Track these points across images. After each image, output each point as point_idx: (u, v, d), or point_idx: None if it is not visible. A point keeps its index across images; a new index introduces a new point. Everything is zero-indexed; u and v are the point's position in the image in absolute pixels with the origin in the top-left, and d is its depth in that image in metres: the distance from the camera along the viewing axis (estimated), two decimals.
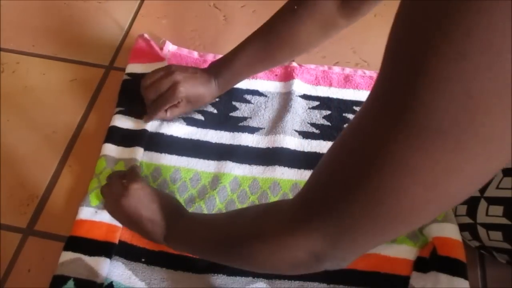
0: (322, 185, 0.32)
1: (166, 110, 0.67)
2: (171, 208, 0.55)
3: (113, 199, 0.56)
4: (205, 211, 0.62)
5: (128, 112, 0.70)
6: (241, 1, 0.88)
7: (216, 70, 0.67)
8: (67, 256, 0.57)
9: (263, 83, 0.75)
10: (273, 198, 0.63)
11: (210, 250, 0.48)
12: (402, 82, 0.23)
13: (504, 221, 0.50)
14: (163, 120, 0.69)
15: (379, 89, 0.26)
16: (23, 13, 0.86)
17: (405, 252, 0.58)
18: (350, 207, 0.29)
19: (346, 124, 0.67)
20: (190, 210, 0.62)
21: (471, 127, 0.22)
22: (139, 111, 0.69)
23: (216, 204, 0.63)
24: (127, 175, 0.57)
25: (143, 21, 0.86)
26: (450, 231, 0.57)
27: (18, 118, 0.72)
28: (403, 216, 0.27)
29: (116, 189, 0.56)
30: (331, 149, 0.32)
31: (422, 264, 0.57)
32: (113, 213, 0.58)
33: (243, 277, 0.57)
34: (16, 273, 0.58)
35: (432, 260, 0.56)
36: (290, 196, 0.63)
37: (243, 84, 0.74)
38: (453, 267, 0.54)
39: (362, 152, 0.27)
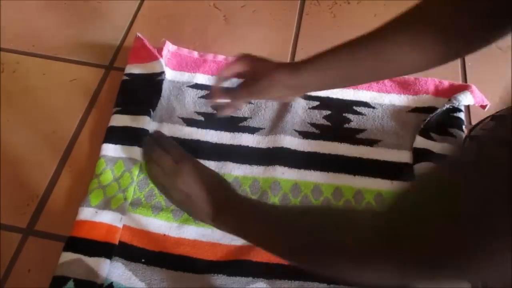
0: (411, 229, 0.31)
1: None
2: (218, 186, 0.53)
3: (166, 178, 0.52)
4: None
5: (126, 111, 0.70)
6: (241, 1, 0.88)
7: (293, 70, 0.58)
8: (67, 256, 0.57)
9: None
10: (273, 198, 0.63)
11: (272, 244, 0.46)
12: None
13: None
14: (162, 121, 0.69)
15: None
16: (23, 13, 0.86)
17: None
18: (433, 263, 0.29)
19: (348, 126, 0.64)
20: None
21: None
22: (137, 111, 0.69)
23: None
24: (173, 149, 0.54)
25: (143, 21, 0.85)
26: None
27: (18, 118, 0.72)
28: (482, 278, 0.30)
29: (168, 165, 0.52)
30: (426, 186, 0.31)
31: None
32: (165, 190, 0.54)
33: (243, 277, 0.57)
34: (16, 273, 0.58)
35: None
36: (290, 196, 0.63)
37: None
38: None
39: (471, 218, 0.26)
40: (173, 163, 0.52)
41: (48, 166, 0.67)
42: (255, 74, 0.57)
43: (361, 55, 0.55)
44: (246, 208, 0.50)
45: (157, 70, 0.74)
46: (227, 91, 0.60)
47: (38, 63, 0.79)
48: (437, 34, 0.49)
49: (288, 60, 0.79)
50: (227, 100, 0.60)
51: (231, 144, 0.68)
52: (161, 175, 0.53)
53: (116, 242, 0.59)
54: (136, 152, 0.65)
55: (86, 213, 0.60)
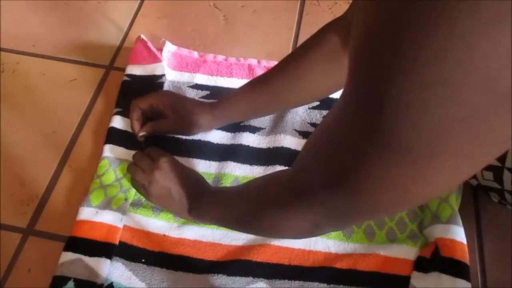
0: (311, 171, 0.34)
1: (148, 123, 0.65)
2: (196, 182, 0.58)
3: (143, 174, 0.57)
4: None
5: (126, 113, 0.70)
6: (241, 1, 0.88)
7: (213, 102, 0.65)
8: (67, 256, 0.57)
9: None
10: None
11: (228, 222, 0.52)
12: (370, 103, 0.24)
13: (495, 162, 0.52)
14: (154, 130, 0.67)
15: (352, 97, 0.27)
16: (23, 13, 0.86)
17: (405, 252, 0.58)
18: (333, 197, 0.32)
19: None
20: None
21: (436, 146, 0.23)
22: None
23: None
24: (151, 152, 0.59)
25: (143, 21, 0.86)
26: (455, 233, 0.57)
27: (18, 118, 0.72)
28: (383, 208, 0.31)
29: (145, 164, 0.57)
30: (320, 132, 0.33)
31: (423, 264, 0.57)
32: (143, 188, 0.57)
33: (243, 277, 0.57)
34: (16, 273, 0.58)
35: (434, 261, 0.56)
36: None
37: None
38: (456, 269, 0.54)
39: (339, 154, 0.29)
40: (151, 161, 0.57)
41: (48, 166, 0.67)
42: (177, 114, 0.64)
43: (280, 88, 0.61)
44: (214, 196, 0.55)
45: (158, 73, 0.74)
46: (149, 124, 0.65)
47: (38, 63, 0.79)
48: (344, 50, 0.55)
49: None
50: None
51: (232, 144, 0.68)
52: (140, 174, 0.57)
53: (117, 242, 0.59)
54: None
55: (87, 213, 0.60)
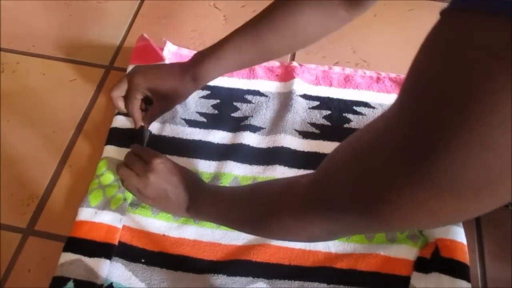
0: (337, 181, 0.34)
1: (141, 112, 0.65)
2: (192, 180, 0.57)
3: (137, 178, 0.55)
4: None
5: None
6: (241, 1, 0.88)
7: (194, 61, 0.61)
8: (67, 257, 0.57)
9: (263, 83, 0.75)
10: None
11: (234, 222, 0.52)
12: (422, 148, 0.25)
13: None
14: (164, 122, 0.68)
15: (405, 123, 0.27)
16: (23, 13, 0.86)
17: (405, 252, 0.58)
18: (357, 217, 0.33)
19: (354, 125, 0.68)
20: None
21: (485, 192, 0.24)
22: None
23: None
24: (143, 152, 0.57)
25: (143, 21, 0.85)
26: (455, 234, 0.57)
27: (18, 118, 0.72)
28: (409, 227, 0.33)
29: (138, 166, 0.55)
30: (358, 143, 0.33)
31: (423, 265, 0.57)
32: (138, 191, 0.56)
33: (243, 277, 0.57)
34: (16, 273, 0.58)
35: (434, 261, 0.56)
36: None
37: (244, 85, 0.74)
38: (456, 269, 0.54)
39: (377, 179, 0.29)
40: (144, 164, 0.55)
41: (48, 166, 0.67)
42: (163, 95, 0.62)
43: (267, 35, 0.58)
44: (214, 195, 0.55)
45: None
46: (144, 115, 0.65)
47: (38, 63, 0.79)
48: (340, 2, 0.54)
49: (288, 59, 0.79)
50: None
51: (232, 143, 0.68)
52: (134, 177, 0.55)
53: (116, 243, 0.59)
54: None
55: (86, 214, 0.60)
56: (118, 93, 0.64)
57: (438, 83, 0.24)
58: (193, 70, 0.61)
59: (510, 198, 0.25)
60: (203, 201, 0.55)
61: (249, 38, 0.58)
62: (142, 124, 0.65)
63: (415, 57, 0.26)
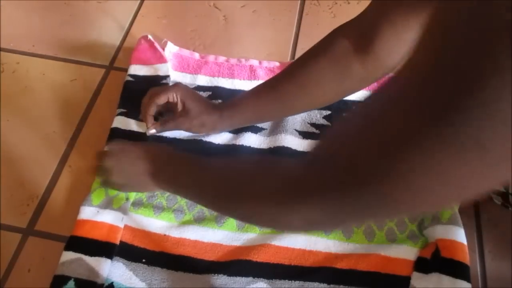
0: (335, 162, 0.31)
1: (159, 121, 0.66)
2: (157, 151, 0.56)
3: (106, 171, 0.56)
4: (207, 213, 0.62)
5: (130, 114, 0.69)
6: (241, 1, 0.88)
7: (222, 104, 0.66)
8: (68, 256, 0.57)
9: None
10: None
11: (202, 196, 0.48)
12: (449, 95, 0.22)
13: None
14: (164, 128, 0.67)
15: (424, 86, 0.25)
16: (23, 13, 0.86)
17: (406, 252, 0.58)
18: (360, 192, 0.29)
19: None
20: (192, 212, 0.62)
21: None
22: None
23: None
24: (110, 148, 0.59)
25: (143, 21, 0.85)
26: (455, 234, 0.57)
27: (18, 118, 0.72)
28: (417, 209, 0.29)
29: (106, 161, 0.56)
30: (353, 119, 0.31)
31: (423, 265, 0.57)
32: (111, 184, 0.58)
33: (243, 277, 0.57)
34: (16, 273, 0.58)
35: (435, 262, 0.56)
36: None
37: (245, 86, 0.74)
38: (457, 270, 0.54)
39: (393, 142, 0.26)
40: (107, 155, 0.56)
41: (48, 166, 0.67)
42: (188, 111, 0.64)
43: (284, 91, 0.60)
44: (180, 167, 0.52)
45: (163, 73, 0.73)
46: (160, 121, 0.66)
47: (38, 63, 0.79)
48: (355, 56, 0.53)
49: (288, 59, 0.79)
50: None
51: (233, 144, 0.68)
52: (103, 172, 0.56)
53: (117, 242, 0.59)
54: None
55: (88, 212, 0.60)
56: (160, 101, 0.64)
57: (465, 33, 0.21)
58: (221, 107, 0.65)
59: None
60: (169, 170, 0.53)
61: (268, 91, 0.62)
62: (151, 132, 0.66)
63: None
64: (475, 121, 0.22)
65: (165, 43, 0.78)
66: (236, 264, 0.58)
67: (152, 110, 0.65)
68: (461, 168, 0.24)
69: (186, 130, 0.66)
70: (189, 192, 0.51)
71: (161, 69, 0.74)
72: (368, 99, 0.31)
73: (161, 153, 0.55)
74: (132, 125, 0.68)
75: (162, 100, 0.64)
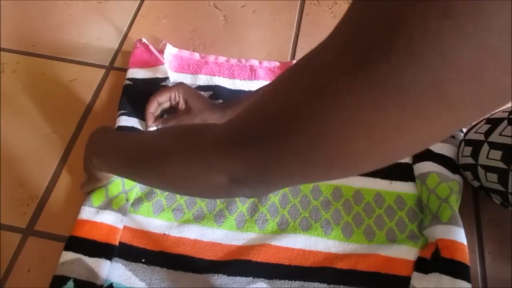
0: (260, 116, 0.29)
1: (162, 116, 0.67)
2: (101, 132, 0.56)
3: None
4: (206, 212, 0.62)
5: (131, 114, 0.69)
6: (241, 1, 0.88)
7: (224, 103, 0.66)
8: (68, 256, 0.57)
9: (265, 84, 0.75)
10: (273, 198, 0.63)
11: (125, 162, 0.45)
12: (371, 32, 0.20)
13: (501, 164, 0.53)
14: (166, 125, 0.68)
15: (345, 28, 0.23)
16: (23, 13, 0.86)
17: (406, 252, 0.58)
18: (285, 145, 0.27)
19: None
20: (192, 211, 0.62)
21: (437, 93, 0.20)
22: (142, 114, 0.68)
23: (216, 205, 0.63)
24: None
25: (143, 21, 0.85)
26: (455, 234, 0.57)
27: (18, 118, 0.72)
28: (338, 164, 0.26)
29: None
30: (279, 77, 0.29)
31: (423, 265, 0.57)
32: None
33: (243, 277, 0.57)
34: (16, 273, 0.58)
35: (435, 262, 0.56)
36: (290, 196, 0.63)
37: (246, 86, 0.74)
38: (457, 270, 0.54)
39: (309, 91, 0.25)
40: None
41: (48, 166, 0.67)
42: (190, 110, 0.65)
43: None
44: (109, 140, 0.52)
45: (161, 75, 0.73)
46: (161, 118, 0.67)
47: (38, 63, 0.79)
48: None
49: (288, 59, 0.79)
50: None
51: None
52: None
53: (117, 243, 0.59)
54: None
55: (88, 213, 0.60)
56: (162, 99, 0.66)
57: None
58: (223, 105, 0.66)
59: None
60: (101, 146, 0.53)
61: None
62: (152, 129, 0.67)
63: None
64: (396, 60, 0.20)
65: (164, 45, 0.78)
66: (236, 264, 0.58)
67: (154, 108, 0.66)
68: (382, 115, 0.22)
69: None
70: (112, 167, 0.49)
71: (160, 71, 0.74)
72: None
73: (98, 132, 0.56)
74: (135, 123, 0.68)
75: (164, 98, 0.65)
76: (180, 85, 0.66)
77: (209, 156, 0.34)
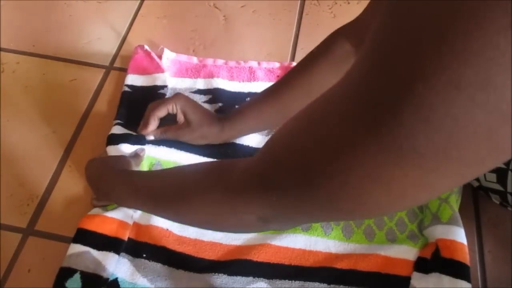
0: (283, 161, 0.30)
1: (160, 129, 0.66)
2: (118, 168, 0.57)
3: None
4: None
5: (127, 126, 0.68)
6: (241, 1, 0.88)
7: (224, 115, 0.65)
8: (76, 248, 0.56)
9: (264, 85, 0.74)
10: None
11: (147, 203, 0.46)
12: (385, 98, 0.22)
13: (500, 164, 0.52)
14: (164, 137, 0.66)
15: (361, 86, 0.24)
16: (23, 13, 0.86)
17: (406, 252, 0.58)
18: (308, 195, 0.28)
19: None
20: None
21: (453, 153, 0.21)
22: (137, 127, 0.67)
23: None
24: None
25: (143, 21, 0.86)
26: (455, 234, 0.57)
27: (18, 118, 0.72)
28: (360, 214, 0.28)
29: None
30: (301, 120, 0.30)
31: (423, 265, 0.57)
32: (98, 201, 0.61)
33: (243, 277, 0.57)
34: (16, 273, 0.58)
35: (435, 262, 0.56)
36: None
37: (245, 88, 0.74)
38: (457, 270, 0.54)
39: (331, 144, 0.26)
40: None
41: (48, 166, 0.67)
42: (189, 123, 0.64)
43: (284, 96, 0.60)
44: (134, 179, 0.52)
45: (160, 83, 0.73)
46: (159, 129, 0.66)
47: (38, 63, 0.79)
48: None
49: (288, 59, 0.79)
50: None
51: (232, 143, 0.68)
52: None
53: (125, 239, 0.59)
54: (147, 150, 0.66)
55: (98, 209, 0.60)
56: (161, 114, 0.64)
57: (401, 28, 0.21)
58: (222, 118, 0.65)
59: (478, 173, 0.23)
60: (125, 184, 0.52)
61: (269, 99, 0.62)
62: (150, 139, 0.66)
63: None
64: (409, 125, 0.21)
65: (162, 50, 0.77)
66: (236, 263, 0.58)
67: (154, 124, 0.65)
68: (400, 173, 0.23)
69: (187, 141, 0.66)
70: (138, 204, 0.50)
71: (159, 79, 0.73)
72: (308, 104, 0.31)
73: (113, 173, 0.55)
74: (128, 136, 0.66)
75: (162, 113, 0.64)
76: (177, 96, 0.64)
77: (236, 199, 0.35)
